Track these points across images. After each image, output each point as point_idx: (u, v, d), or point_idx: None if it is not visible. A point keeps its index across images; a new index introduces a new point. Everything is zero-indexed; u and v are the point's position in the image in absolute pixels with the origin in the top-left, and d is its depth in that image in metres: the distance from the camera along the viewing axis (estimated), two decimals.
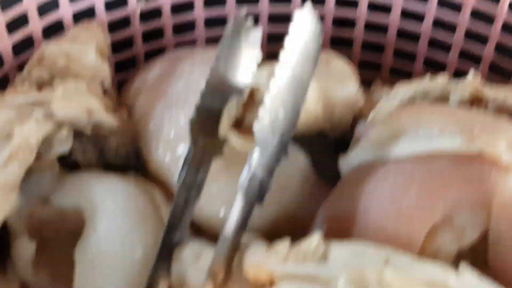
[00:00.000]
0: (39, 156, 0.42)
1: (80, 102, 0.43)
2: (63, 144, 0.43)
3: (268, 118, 0.39)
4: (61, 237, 0.43)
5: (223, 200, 0.43)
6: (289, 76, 0.40)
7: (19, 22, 0.51)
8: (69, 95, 0.43)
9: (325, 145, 0.47)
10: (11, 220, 0.42)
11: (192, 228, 0.43)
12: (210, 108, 0.42)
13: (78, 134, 0.45)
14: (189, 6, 0.58)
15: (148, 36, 0.58)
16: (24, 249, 0.41)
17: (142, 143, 0.47)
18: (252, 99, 0.44)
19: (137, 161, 0.48)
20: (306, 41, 0.40)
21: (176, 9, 0.58)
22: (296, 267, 0.35)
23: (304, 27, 0.40)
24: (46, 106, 0.42)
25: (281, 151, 0.39)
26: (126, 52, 0.58)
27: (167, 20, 0.58)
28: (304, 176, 0.45)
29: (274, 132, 0.39)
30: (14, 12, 0.50)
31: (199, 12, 0.58)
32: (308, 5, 0.40)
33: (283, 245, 0.36)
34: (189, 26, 0.59)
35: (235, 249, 0.38)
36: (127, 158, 0.47)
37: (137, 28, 0.57)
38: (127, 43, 0.58)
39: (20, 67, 0.50)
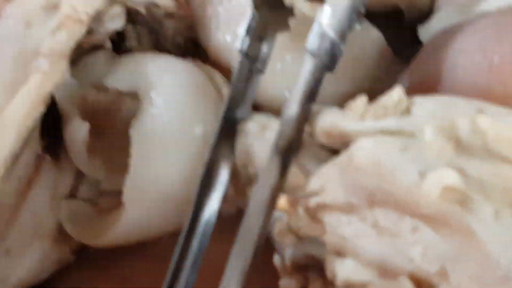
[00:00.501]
0: (90, 32, 0.39)
1: None
2: (116, 21, 0.40)
3: None
4: (116, 124, 0.40)
5: (288, 79, 0.39)
6: None
7: None
8: None
9: (401, 26, 0.43)
10: (63, 103, 0.39)
11: (254, 109, 0.39)
12: None
13: (132, 19, 0.42)
14: None
15: None
16: (77, 130, 0.38)
17: (200, 29, 0.44)
18: None
19: (195, 51, 0.44)
20: None
21: None
22: (375, 123, 0.31)
23: None
24: None
25: (354, 13, 0.35)
26: None
27: None
28: (379, 51, 0.40)
29: None
30: None
31: None
32: None
33: (359, 102, 0.32)
34: None
35: (305, 117, 0.34)
36: (184, 48, 0.44)
37: None
38: None
39: None
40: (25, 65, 0.35)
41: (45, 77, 0.35)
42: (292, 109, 0.34)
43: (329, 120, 0.32)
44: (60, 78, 0.35)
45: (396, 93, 0.31)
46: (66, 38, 0.36)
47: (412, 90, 0.35)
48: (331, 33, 0.35)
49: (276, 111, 0.39)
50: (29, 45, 0.36)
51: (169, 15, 0.42)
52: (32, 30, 0.36)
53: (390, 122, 0.30)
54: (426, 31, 0.39)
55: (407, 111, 0.31)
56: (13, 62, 0.35)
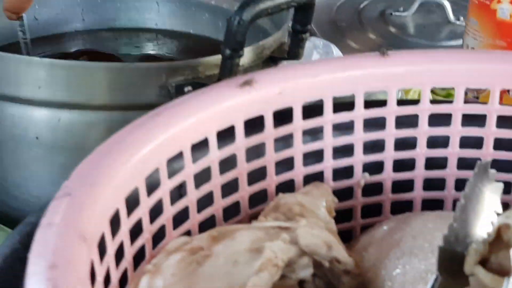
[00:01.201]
0: (282, 277, 0.43)
1: (320, 234, 0.45)
2: (305, 270, 0.44)
3: None
4: None
5: None
6: None
7: (259, 176, 0.55)
8: (311, 226, 0.45)
9: None
10: None
11: None
12: (453, 250, 0.42)
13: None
14: (409, 186, 0.60)
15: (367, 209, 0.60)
16: None
17: None
18: (499, 238, 0.43)
19: None
20: None
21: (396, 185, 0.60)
22: None
23: None
24: (291, 232, 0.44)
25: None
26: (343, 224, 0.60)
27: (387, 196, 0.60)
28: None
29: None
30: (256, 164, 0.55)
31: (419, 191, 0.60)
32: None
33: None
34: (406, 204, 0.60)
35: None
36: None
37: (358, 199, 0.59)
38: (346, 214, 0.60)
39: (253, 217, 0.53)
40: None
41: None
42: None
43: None
44: None
45: None
46: (268, 279, 0.40)
47: None
48: None
49: None
50: (236, 280, 0.40)
51: (347, 271, 0.46)
52: (238, 268, 0.41)
53: None
54: None
55: None
56: None
